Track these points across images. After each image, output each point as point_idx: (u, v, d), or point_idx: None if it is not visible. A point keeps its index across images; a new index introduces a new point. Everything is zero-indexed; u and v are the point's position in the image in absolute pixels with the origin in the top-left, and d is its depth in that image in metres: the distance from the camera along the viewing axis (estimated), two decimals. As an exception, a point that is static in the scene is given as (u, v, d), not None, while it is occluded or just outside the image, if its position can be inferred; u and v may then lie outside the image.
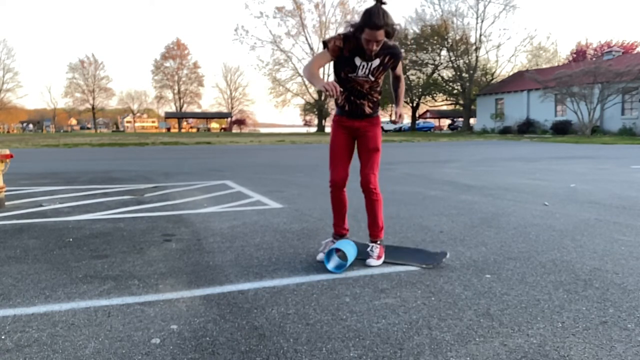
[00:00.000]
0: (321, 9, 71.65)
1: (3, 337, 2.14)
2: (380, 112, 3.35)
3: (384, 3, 2.86)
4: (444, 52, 53.25)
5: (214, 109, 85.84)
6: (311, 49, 63.35)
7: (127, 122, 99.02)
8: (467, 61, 51.31)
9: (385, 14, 2.84)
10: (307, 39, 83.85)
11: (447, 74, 55.22)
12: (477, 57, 51.02)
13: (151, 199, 6.14)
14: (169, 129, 78.14)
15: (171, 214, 5.07)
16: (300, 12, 62.21)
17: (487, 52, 69.11)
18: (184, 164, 11.89)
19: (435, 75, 55.38)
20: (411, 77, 55.11)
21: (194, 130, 79.01)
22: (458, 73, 52.27)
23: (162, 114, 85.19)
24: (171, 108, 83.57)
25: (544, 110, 38.12)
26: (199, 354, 1.99)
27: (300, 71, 63.40)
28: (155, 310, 2.45)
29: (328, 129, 59.03)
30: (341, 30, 3.09)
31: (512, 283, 2.85)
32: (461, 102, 53.21)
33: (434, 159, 13.76)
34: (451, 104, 60.15)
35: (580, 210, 5.19)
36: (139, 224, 4.59)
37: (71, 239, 3.98)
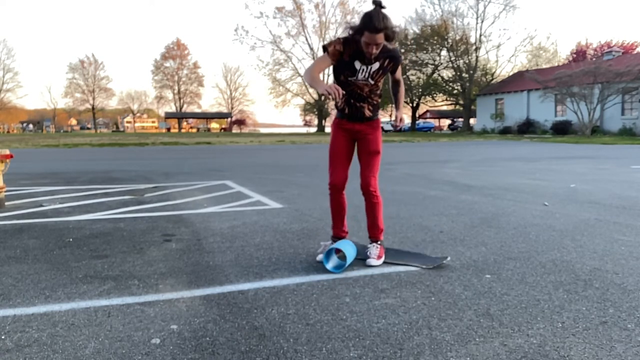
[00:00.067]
0: (321, 9, 71.68)
1: (3, 337, 2.14)
2: (380, 112, 3.35)
3: (384, 7, 2.87)
4: (444, 52, 53.28)
5: (214, 109, 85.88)
6: (311, 49, 63.44)
7: (127, 122, 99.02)
8: (467, 61, 51.32)
9: (385, 17, 2.85)
10: (307, 39, 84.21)
11: (447, 74, 55.25)
12: (477, 57, 51.03)
13: (151, 199, 6.14)
14: (169, 129, 78.15)
15: (171, 214, 5.07)
16: (300, 12, 62.27)
17: (487, 52, 69.16)
18: (184, 164, 11.90)
19: (435, 75, 55.39)
20: (411, 77, 55.12)
21: (194, 130, 79.01)
22: (458, 73, 52.27)
23: (162, 114, 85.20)
24: (171, 108, 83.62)
25: (544, 111, 38.12)
26: (199, 354, 1.99)
27: (301, 71, 63.55)
28: (155, 310, 2.45)
29: (328, 129, 59.02)
30: (341, 32, 3.10)
31: (512, 283, 2.85)
32: (461, 102, 53.21)
33: (434, 159, 13.76)
34: (451, 104, 60.16)
35: (580, 210, 5.19)
36: (139, 224, 4.59)
37: (71, 239, 3.98)
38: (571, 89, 31.59)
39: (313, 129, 69.85)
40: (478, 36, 50.96)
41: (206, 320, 2.32)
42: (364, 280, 2.91)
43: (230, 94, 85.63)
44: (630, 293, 2.66)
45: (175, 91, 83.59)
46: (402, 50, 51.32)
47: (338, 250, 3.21)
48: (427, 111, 70.54)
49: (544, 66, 51.70)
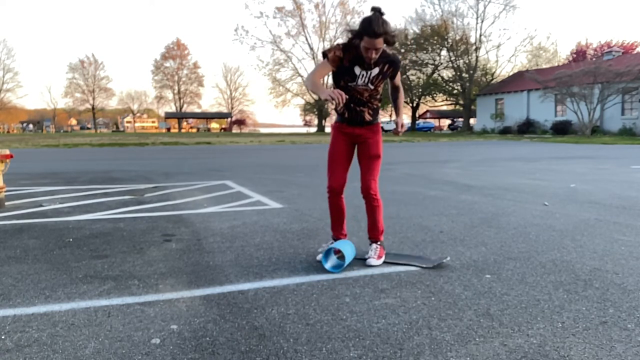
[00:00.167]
0: (321, 9, 71.59)
1: (3, 337, 2.14)
2: (380, 112, 3.36)
3: (383, 14, 2.88)
4: (444, 52, 53.28)
5: (214, 109, 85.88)
6: (311, 49, 63.41)
7: (127, 122, 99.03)
8: (467, 61, 51.32)
9: (384, 22, 2.86)
10: (307, 39, 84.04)
11: (447, 74, 55.26)
12: (477, 57, 51.03)
13: (151, 199, 6.14)
14: (169, 129, 78.16)
15: (171, 214, 5.07)
16: (300, 12, 62.21)
17: (487, 52, 69.19)
18: (184, 164, 11.90)
19: (435, 75, 55.39)
20: (411, 77, 55.13)
21: (194, 130, 79.02)
22: (458, 73, 52.27)
23: (162, 114, 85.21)
24: (171, 108, 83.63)
25: (544, 111, 38.12)
26: (199, 354, 1.99)
27: (301, 71, 63.57)
28: (155, 310, 2.45)
29: (328, 129, 59.01)
30: (341, 32, 3.11)
31: (512, 283, 2.85)
32: (461, 102, 53.22)
33: (434, 159, 13.76)
34: (451, 104, 60.16)
35: (580, 210, 5.19)
36: (139, 224, 4.59)
37: (71, 239, 3.98)
38: (571, 89, 31.60)
39: (313, 129, 69.86)
40: (478, 36, 51.01)
41: (206, 320, 2.32)
42: (364, 280, 2.91)
43: (230, 94, 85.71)
44: (630, 293, 2.66)
45: (175, 91, 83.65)
46: (402, 50, 51.36)
47: (337, 251, 3.21)
48: (427, 111, 70.55)
49: (544, 66, 51.71)
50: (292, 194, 6.53)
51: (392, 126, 52.83)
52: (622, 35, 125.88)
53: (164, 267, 3.21)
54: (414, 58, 53.53)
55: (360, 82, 3.10)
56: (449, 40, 51.26)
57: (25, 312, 2.43)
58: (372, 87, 3.13)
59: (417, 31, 54.07)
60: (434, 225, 4.46)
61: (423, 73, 56.02)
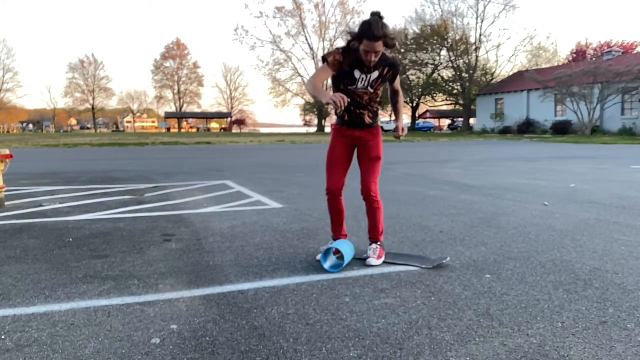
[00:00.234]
0: (321, 9, 71.36)
1: (3, 337, 2.14)
2: (379, 112, 3.36)
3: (382, 17, 2.89)
4: (444, 52, 53.26)
5: (214, 109, 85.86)
6: (311, 49, 63.41)
7: (127, 122, 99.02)
8: (467, 61, 51.30)
9: (384, 25, 2.87)
10: (307, 39, 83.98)
11: (447, 74, 55.24)
12: (477, 57, 51.01)
13: (151, 199, 6.14)
14: (169, 129, 78.14)
15: (171, 214, 5.07)
16: (300, 12, 62.18)
17: (487, 52, 69.09)
18: (184, 164, 11.90)
19: (435, 75, 55.38)
20: (411, 77, 55.11)
21: (194, 130, 79.00)
22: (458, 73, 52.26)
23: (162, 114, 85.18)
24: (171, 108, 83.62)
25: (544, 111, 38.12)
26: (199, 354, 1.99)
27: (301, 71, 63.61)
28: (155, 310, 2.45)
29: (328, 129, 59.01)
30: (340, 33, 3.11)
31: (512, 283, 2.85)
32: (461, 102, 53.21)
33: (434, 159, 13.76)
34: (451, 104, 60.15)
35: (580, 210, 5.19)
36: (139, 224, 4.59)
37: (71, 239, 3.98)
38: (571, 89, 31.59)
39: (313, 129, 69.82)
40: (478, 36, 50.98)
41: (206, 320, 2.33)
42: (364, 280, 2.91)
43: (230, 94, 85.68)
44: (630, 293, 2.66)
45: (175, 91, 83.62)
46: (402, 50, 51.39)
47: (336, 251, 3.21)
48: (427, 111, 70.53)
49: (544, 66, 51.69)
50: (292, 194, 6.53)
51: (392, 126, 52.80)
52: (622, 35, 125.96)
53: (164, 267, 3.21)
54: (414, 58, 53.52)
55: (360, 85, 3.11)
56: (449, 40, 51.25)
57: (25, 312, 2.43)
58: (372, 91, 3.15)
59: (417, 31, 54.07)
60: (434, 225, 4.46)
61: (423, 73, 56.01)
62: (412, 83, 55.03)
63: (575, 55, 56.63)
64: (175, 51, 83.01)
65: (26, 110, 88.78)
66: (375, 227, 3.32)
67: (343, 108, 2.75)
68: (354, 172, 3.34)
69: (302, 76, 64.03)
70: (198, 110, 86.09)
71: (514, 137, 34.04)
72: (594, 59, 45.51)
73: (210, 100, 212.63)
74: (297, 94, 66.73)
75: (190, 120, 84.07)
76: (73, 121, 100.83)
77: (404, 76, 51.65)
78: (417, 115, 61.81)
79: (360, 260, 3.27)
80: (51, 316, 2.38)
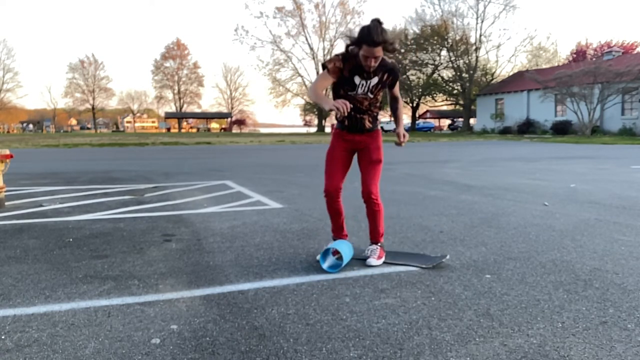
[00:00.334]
0: (321, 9, 71.31)
1: (3, 337, 2.14)
2: (379, 112, 3.36)
3: (382, 23, 2.89)
4: (444, 52, 53.26)
5: (214, 109, 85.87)
6: (311, 49, 63.43)
7: (127, 122, 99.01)
8: (467, 61, 51.30)
9: (383, 30, 2.87)
10: (307, 39, 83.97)
11: (447, 74, 55.25)
12: (477, 57, 51.02)
13: (151, 199, 6.14)
14: (169, 129, 78.14)
15: (171, 214, 5.07)
16: (300, 12, 62.20)
17: (487, 52, 69.07)
18: (184, 164, 11.90)
19: (435, 75, 55.38)
20: (411, 77, 55.11)
21: (194, 130, 79.00)
22: (458, 73, 52.26)
23: (162, 114, 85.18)
24: (171, 108, 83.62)
25: (544, 111, 38.12)
26: (199, 354, 1.99)
27: (301, 71, 63.72)
28: (155, 310, 2.45)
29: (328, 129, 59.05)
30: (340, 35, 3.11)
31: (512, 283, 2.85)
32: (461, 102, 53.21)
33: (434, 159, 13.76)
34: (451, 104, 60.16)
35: (580, 210, 5.19)
36: (139, 224, 4.59)
37: (71, 239, 3.98)
38: (571, 89, 31.59)
39: (313, 129, 69.83)
40: (478, 36, 50.99)
41: (206, 320, 2.33)
42: (364, 280, 2.91)
43: (230, 94, 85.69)
44: (630, 293, 2.66)
45: (175, 91, 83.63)
46: (402, 50, 51.34)
47: (335, 252, 3.22)
48: (427, 111, 70.54)
49: (544, 66, 51.69)
50: (292, 194, 6.53)
51: (391, 126, 52.88)
52: (622, 35, 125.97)
53: (164, 267, 3.21)
54: (414, 58, 53.52)
55: (360, 91, 3.12)
56: (449, 41, 51.25)
57: (25, 312, 2.43)
58: (371, 96, 3.16)
59: (417, 31, 54.08)
60: (434, 225, 4.46)
61: (423, 73, 56.01)
62: (412, 83, 55.03)
63: (575, 55, 56.62)
64: (175, 51, 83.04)
65: (26, 110, 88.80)
66: (375, 230, 3.32)
67: (346, 114, 2.76)
68: (354, 173, 3.35)
69: (302, 76, 64.15)
70: (198, 110, 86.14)
71: (514, 137, 34.04)
72: (594, 59, 45.52)
73: (210, 100, 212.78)
74: (297, 94, 66.78)
75: (190, 120, 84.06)
76: (73, 121, 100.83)
77: (404, 76, 51.63)
78: (417, 115, 61.82)
79: (360, 261, 3.27)
80: (51, 316, 2.38)
